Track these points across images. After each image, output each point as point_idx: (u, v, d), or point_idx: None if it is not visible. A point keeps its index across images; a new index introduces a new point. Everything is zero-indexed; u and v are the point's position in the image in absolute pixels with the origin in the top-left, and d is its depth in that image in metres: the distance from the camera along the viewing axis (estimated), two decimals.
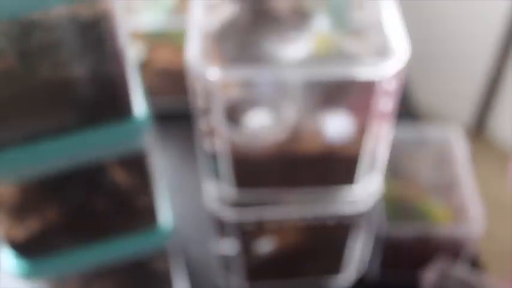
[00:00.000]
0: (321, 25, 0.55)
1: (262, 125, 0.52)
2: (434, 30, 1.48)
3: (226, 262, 0.66)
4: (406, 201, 0.70)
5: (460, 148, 0.72)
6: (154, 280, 0.64)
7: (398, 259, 0.68)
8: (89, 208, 0.53)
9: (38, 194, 0.50)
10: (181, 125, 0.73)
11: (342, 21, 0.56)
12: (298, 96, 0.52)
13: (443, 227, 0.66)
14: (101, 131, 0.47)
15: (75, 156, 0.47)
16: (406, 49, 0.48)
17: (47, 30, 0.41)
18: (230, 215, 0.59)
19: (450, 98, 1.59)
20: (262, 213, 0.59)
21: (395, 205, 0.69)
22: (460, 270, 0.64)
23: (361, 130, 0.52)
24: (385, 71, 0.47)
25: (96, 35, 0.43)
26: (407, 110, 0.90)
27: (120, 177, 0.51)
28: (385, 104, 0.50)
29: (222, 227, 0.61)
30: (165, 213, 0.57)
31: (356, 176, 0.56)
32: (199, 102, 0.50)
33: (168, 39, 0.84)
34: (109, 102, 0.47)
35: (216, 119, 0.51)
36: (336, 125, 0.53)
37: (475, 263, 0.71)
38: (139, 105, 0.49)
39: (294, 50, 0.54)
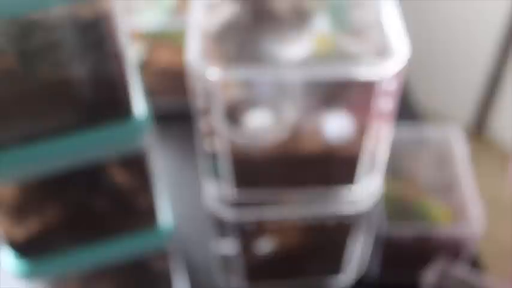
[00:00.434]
0: (321, 25, 0.55)
1: (262, 125, 0.52)
2: (434, 30, 1.48)
3: (226, 262, 0.66)
4: (406, 201, 0.70)
5: (460, 148, 0.72)
6: (154, 280, 0.64)
7: (398, 259, 0.68)
8: (89, 208, 0.53)
9: (38, 194, 0.50)
10: (181, 125, 0.73)
11: (342, 21, 0.56)
12: (298, 96, 0.52)
13: (443, 227, 0.66)
14: (101, 131, 0.47)
15: (75, 156, 0.47)
16: (406, 49, 0.48)
17: (47, 30, 0.41)
18: (230, 215, 0.59)
19: (450, 98, 1.59)
20: (262, 213, 0.59)
21: (395, 205, 0.69)
22: (460, 270, 0.64)
23: (361, 130, 0.52)
24: (385, 71, 0.47)
25: (96, 35, 0.43)
26: (407, 110, 0.90)
27: (120, 177, 0.51)
28: (385, 104, 0.50)
29: (222, 227, 0.61)
30: (165, 213, 0.57)
31: (356, 176, 0.56)
32: (199, 102, 0.50)
33: (168, 39, 0.84)
34: (109, 102, 0.47)
35: (216, 119, 0.51)
36: (336, 125, 0.53)
37: (475, 263, 0.71)
38: (139, 105, 0.49)
39: (294, 50, 0.54)
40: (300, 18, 0.56)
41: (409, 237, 0.65)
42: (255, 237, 0.63)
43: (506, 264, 1.20)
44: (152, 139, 0.51)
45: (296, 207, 0.59)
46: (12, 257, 0.52)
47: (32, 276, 0.53)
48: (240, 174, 0.55)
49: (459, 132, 0.74)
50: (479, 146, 1.59)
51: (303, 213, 0.59)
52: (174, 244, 0.60)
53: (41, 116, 0.45)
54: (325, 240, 0.65)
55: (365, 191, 0.58)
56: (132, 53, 0.51)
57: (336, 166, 0.56)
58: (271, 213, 0.59)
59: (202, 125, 0.52)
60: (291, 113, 0.52)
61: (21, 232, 0.51)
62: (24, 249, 0.52)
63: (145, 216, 0.55)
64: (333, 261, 0.67)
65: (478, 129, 1.62)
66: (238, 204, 0.58)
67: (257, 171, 0.56)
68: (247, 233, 0.61)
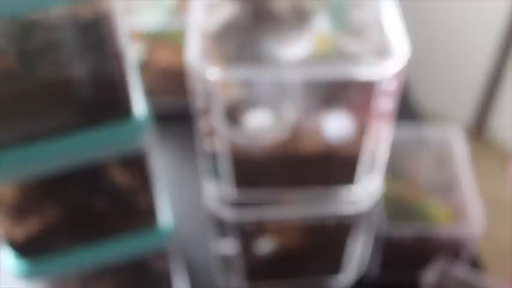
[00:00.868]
0: (321, 25, 0.55)
1: (262, 125, 0.52)
2: (434, 30, 1.48)
3: (226, 262, 0.66)
4: (406, 201, 0.70)
5: (460, 148, 0.72)
6: (154, 280, 0.64)
7: (398, 259, 0.68)
8: (89, 208, 0.53)
9: (38, 194, 0.50)
10: (181, 125, 0.73)
11: (342, 21, 0.56)
12: (298, 96, 0.52)
13: (443, 227, 0.66)
14: (101, 131, 0.47)
15: (75, 156, 0.47)
16: (406, 49, 0.48)
17: (47, 30, 0.41)
18: (230, 215, 0.58)
19: (450, 98, 1.59)
20: (262, 213, 0.59)
21: (395, 205, 0.69)
22: (460, 270, 0.64)
23: (361, 130, 0.52)
24: (385, 71, 0.47)
25: (96, 35, 0.43)
26: (407, 110, 0.90)
27: (120, 177, 0.51)
28: (385, 104, 0.50)
29: (222, 227, 0.61)
30: (165, 213, 0.57)
31: (356, 176, 0.56)
32: (199, 102, 0.50)
33: (168, 39, 0.84)
34: (109, 102, 0.47)
35: (216, 119, 0.51)
36: (336, 125, 0.53)
37: (475, 263, 0.71)
38: (139, 105, 0.49)
39: (294, 50, 0.54)
40: (300, 18, 0.56)
41: (409, 237, 0.65)
42: (255, 237, 0.63)
43: (506, 264, 1.20)
44: (152, 139, 0.51)
45: (296, 207, 0.59)
46: (12, 257, 0.52)
47: (32, 276, 0.53)
48: (240, 174, 0.55)
49: (459, 132, 0.74)
50: (479, 146, 1.59)
51: (303, 213, 0.59)
52: (174, 244, 0.60)
53: (41, 116, 0.45)
54: (325, 240, 0.65)
55: (365, 191, 0.58)
56: (132, 53, 0.51)
57: (336, 166, 0.56)
58: (271, 213, 0.59)
59: (202, 125, 0.52)
60: (291, 113, 0.52)
61: (21, 232, 0.51)
62: (24, 249, 0.52)
63: (145, 216, 0.55)
64: (333, 261, 0.67)
65: (478, 129, 1.62)
66: (238, 204, 0.58)
67: (257, 171, 0.56)
68: (247, 233, 0.61)
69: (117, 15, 0.43)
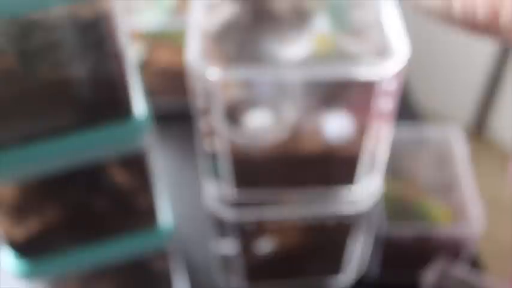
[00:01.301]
0: (321, 25, 0.55)
1: (262, 125, 0.52)
2: (434, 30, 1.48)
3: (226, 262, 0.66)
4: (406, 201, 0.70)
5: (460, 148, 0.72)
6: (154, 280, 0.64)
7: (398, 259, 0.68)
8: (89, 208, 0.53)
9: (38, 194, 0.50)
10: (181, 125, 0.73)
11: (342, 21, 0.56)
12: (298, 96, 0.52)
13: (443, 227, 0.66)
14: (100, 131, 0.47)
15: (75, 156, 0.47)
16: (406, 49, 0.48)
17: (47, 30, 0.41)
18: (230, 215, 0.59)
19: (450, 98, 1.59)
20: (262, 213, 0.59)
21: (395, 205, 0.69)
22: (460, 270, 0.64)
23: (361, 130, 0.52)
24: (385, 71, 0.47)
25: (96, 35, 0.43)
26: (407, 110, 0.90)
27: (120, 177, 0.51)
28: (385, 104, 0.50)
29: (222, 227, 0.61)
30: (165, 213, 0.57)
31: (356, 176, 0.56)
32: (199, 102, 0.50)
33: (168, 39, 0.84)
34: (109, 102, 0.47)
35: (216, 119, 0.51)
36: (336, 125, 0.53)
37: (475, 263, 0.71)
38: (139, 105, 0.49)
39: (294, 50, 0.54)
40: (300, 18, 0.56)
41: (409, 237, 0.65)
42: (255, 237, 0.63)
43: (506, 264, 1.20)
44: (152, 139, 0.51)
45: (296, 207, 0.59)
46: (12, 257, 0.52)
47: (32, 276, 0.53)
48: (240, 174, 0.55)
49: (459, 132, 0.74)
50: (479, 146, 1.59)
51: (303, 213, 0.59)
52: (174, 244, 0.60)
53: (41, 116, 0.45)
54: (325, 240, 0.65)
55: (365, 191, 0.58)
56: (132, 53, 0.51)
57: (336, 166, 0.56)
58: (271, 213, 0.59)
59: (202, 125, 0.52)
60: (291, 113, 0.52)
61: (21, 232, 0.51)
62: (24, 249, 0.52)
63: (145, 216, 0.55)
64: (333, 261, 0.67)
65: (478, 129, 1.62)
66: (238, 204, 0.58)
67: (257, 171, 0.56)
68: (247, 233, 0.61)
69: (117, 15, 0.43)
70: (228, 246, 0.63)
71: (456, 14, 0.24)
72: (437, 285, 0.64)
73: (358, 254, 0.67)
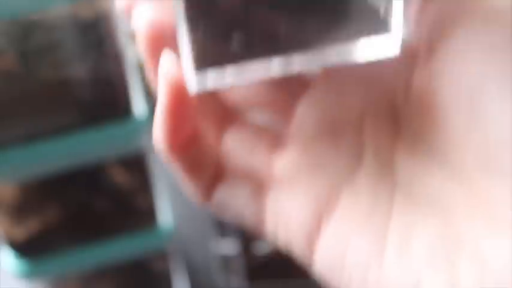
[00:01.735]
0: None
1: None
2: None
3: (226, 262, 0.66)
4: None
5: None
6: (154, 280, 0.64)
7: None
8: (89, 208, 0.53)
9: (38, 194, 0.50)
10: None
11: None
12: None
13: None
14: (100, 131, 0.47)
15: (76, 156, 0.47)
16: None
17: (47, 31, 0.41)
18: None
19: None
20: None
21: None
22: None
23: None
24: None
25: (96, 35, 0.43)
26: None
27: (120, 177, 0.51)
28: None
29: (222, 227, 0.61)
30: (165, 213, 0.57)
31: None
32: None
33: None
34: (109, 102, 0.47)
35: None
36: None
37: None
38: (139, 105, 0.49)
39: None
40: None
41: None
42: (255, 237, 0.63)
43: None
44: (152, 139, 0.51)
45: None
46: (12, 257, 0.52)
47: (32, 276, 0.53)
48: None
49: None
50: None
51: None
52: (174, 244, 0.60)
53: (41, 116, 0.45)
54: None
55: None
56: (132, 53, 0.51)
57: None
58: None
59: None
60: None
61: (21, 232, 0.51)
62: (24, 249, 0.52)
63: (145, 216, 0.55)
64: None
65: None
66: None
67: None
68: (247, 233, 0.61)
69: (117, 15, 0.43)
70: (228, 246, 0.63)
71: None
72: None
73: None
